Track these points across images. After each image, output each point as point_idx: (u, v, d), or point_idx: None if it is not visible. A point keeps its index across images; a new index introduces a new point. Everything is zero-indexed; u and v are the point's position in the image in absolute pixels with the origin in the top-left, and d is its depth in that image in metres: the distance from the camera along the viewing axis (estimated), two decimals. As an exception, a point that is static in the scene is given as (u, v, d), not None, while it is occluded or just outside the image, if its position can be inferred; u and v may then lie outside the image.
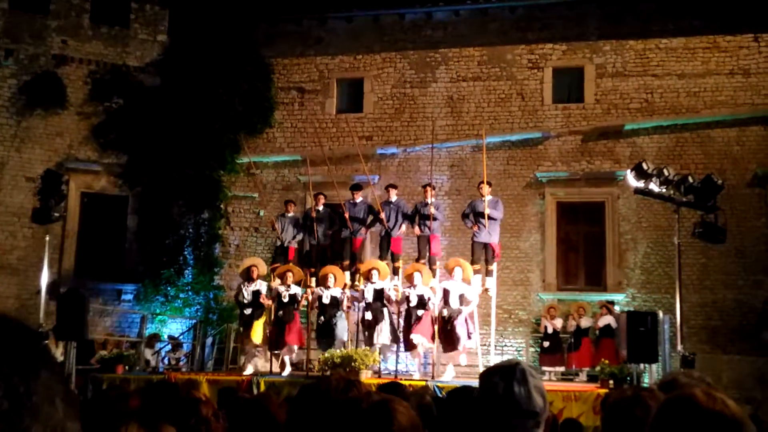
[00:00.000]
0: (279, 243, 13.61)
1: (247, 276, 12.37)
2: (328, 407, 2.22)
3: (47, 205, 12.46)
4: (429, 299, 11.34)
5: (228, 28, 17.08)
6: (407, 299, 11.42)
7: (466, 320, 11.30)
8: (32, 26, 16.83)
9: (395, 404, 2.07)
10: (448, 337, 11.23)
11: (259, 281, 12.30)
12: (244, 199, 17.14)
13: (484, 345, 12.87)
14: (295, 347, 12.02)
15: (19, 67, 16.66)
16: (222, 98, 16.65)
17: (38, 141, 16.65)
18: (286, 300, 11.90)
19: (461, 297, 11.30)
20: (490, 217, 12.06)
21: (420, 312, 11.25)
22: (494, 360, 12.20)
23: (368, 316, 11.49)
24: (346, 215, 12.96)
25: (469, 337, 11.31)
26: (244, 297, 12.18)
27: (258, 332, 12.07)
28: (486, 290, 12.29)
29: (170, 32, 17.70)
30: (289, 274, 12.13)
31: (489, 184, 12.50)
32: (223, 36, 17.00)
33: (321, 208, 13.41)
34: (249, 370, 12.04)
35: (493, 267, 12.45)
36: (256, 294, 12.14)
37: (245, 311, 12.16)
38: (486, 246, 12.25)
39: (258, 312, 12.14)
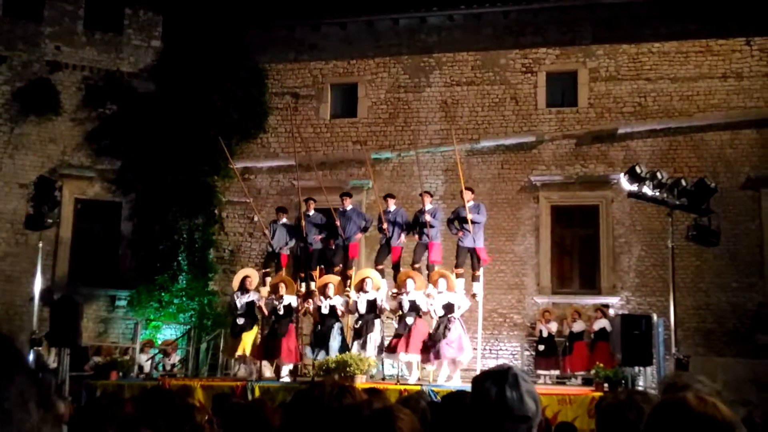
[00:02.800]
0: (270, 249, 13.62)
1: (241, 286, 12.36)
2: (323, 413, 2.21)
3: (40, 212, 12.42)
4: (420, 308, 11.39)
5: (222, 34, 17.07)
6: (400, 306, 11.45)
7: (460, 334, 11.26)
8: (26, 33, 16.80)
9: (397, 411, 2.07)
10: (430, 349, 11.21)
11: (252, 292, 12.28)
12: (238, 204, 17.12)
13: (475, 349, 12.85)
14: (290, 365, 11.98)
15: (13, 73, 16.63)
16: (216, 104, 16.64)
17: (32, 147, 16.61)
18: (281, 313, 11.87)
19: (448, 306, 11.30)
20: (473, 222, 12.15)
21: (410, 320, 11.27)
22: (484, 364, 12.22)
23: (357, 325, 11.54)
24: (337, 223, 12.96)
25: (461, 351, 11.28)
26: (237, 308, 12.18)
27: (248, 343, 12.06)
28: (473, 295, 12.31)
29: (164, 38, 17.69)
30: (282, 285, 12.09)
31: (471, 190, 12.59)
32: (216, 42, 17.00)
33: (312, 212, 13.41)
34: (243, 373, 12.04)
35: (480, 272, 12.49)
36: (250, 305, 12.14)
37: (237, 321, 12.17)
38: (471, 251, 12.33)
39: (250, 323, 12.14)
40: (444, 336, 11.06)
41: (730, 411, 1.55)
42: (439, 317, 11.30)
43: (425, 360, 11.39)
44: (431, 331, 11.38)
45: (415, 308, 11.35)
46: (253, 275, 12.67)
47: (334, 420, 2.18)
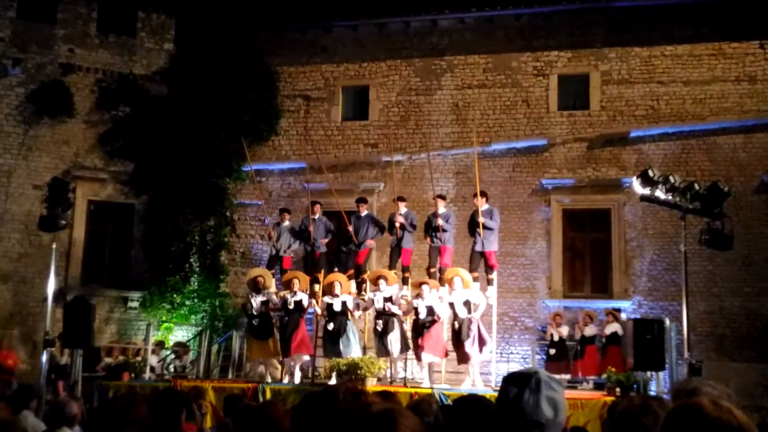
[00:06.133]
0: (274, 252, 13.65)
1: (254, 287, 12.38)
2: (333, 416, 2.21)
3: (54, 213, 12.49)
4: (436, 312, 11.41)
5: (234, 37, 17.14)
6: (415, 310, 11.44)
7: (479, 329, 11.31)
8: (39, 35, 16.92)
9: (398, 413, 2.06)
10: (459, 351, 11.28)
11: (266, 292, 12.30)
12: (250, 206, 17.17)
13: (490, 351, 12.85)
14: (306, 357, 12.01)
15: (27, 75, 16.74)
16: (228, 106, 16.68)
17: (45, 149, 16.72)
18: (291, 307, 11.90)
19: (467, 304, 11.31)
20: (485, 227, 12.15)
21: (427, 324, 11.28)
22: (498, 368, 12.23)
23: (379, 326, 11.52)
24: (350, 228, 12.99)
25: (481, 351, 11.32)
26: (252, 308, 12.18)
27: (270, 343, 12.07)
28: (486, 299, 12.32)
29: (176, 41, 17.78)
30: (296, 281, 12.14)
31: (483, 195, 12.62)
32: (228, 44, 17.06)
33: (317, 216, 13.44)
34: (256, 376, 12.06)
35: (493, 276, 12.51)
36: (264, 304, 12.16)
37: (253, 321, 12.18)
38: (483, 255, 12.35)
39: (266, 323, 12.14)
40: (468, 336, 11.10)
41: (745, 416, 1.54)
42: (461, 318, 11.28)
43: (461, 360, 11.36)
44: (454, 331, 11.37)
45: (431, 313, 11.36)
46: (266, 275, 12.69)
47: (341, 423, 2.18)
